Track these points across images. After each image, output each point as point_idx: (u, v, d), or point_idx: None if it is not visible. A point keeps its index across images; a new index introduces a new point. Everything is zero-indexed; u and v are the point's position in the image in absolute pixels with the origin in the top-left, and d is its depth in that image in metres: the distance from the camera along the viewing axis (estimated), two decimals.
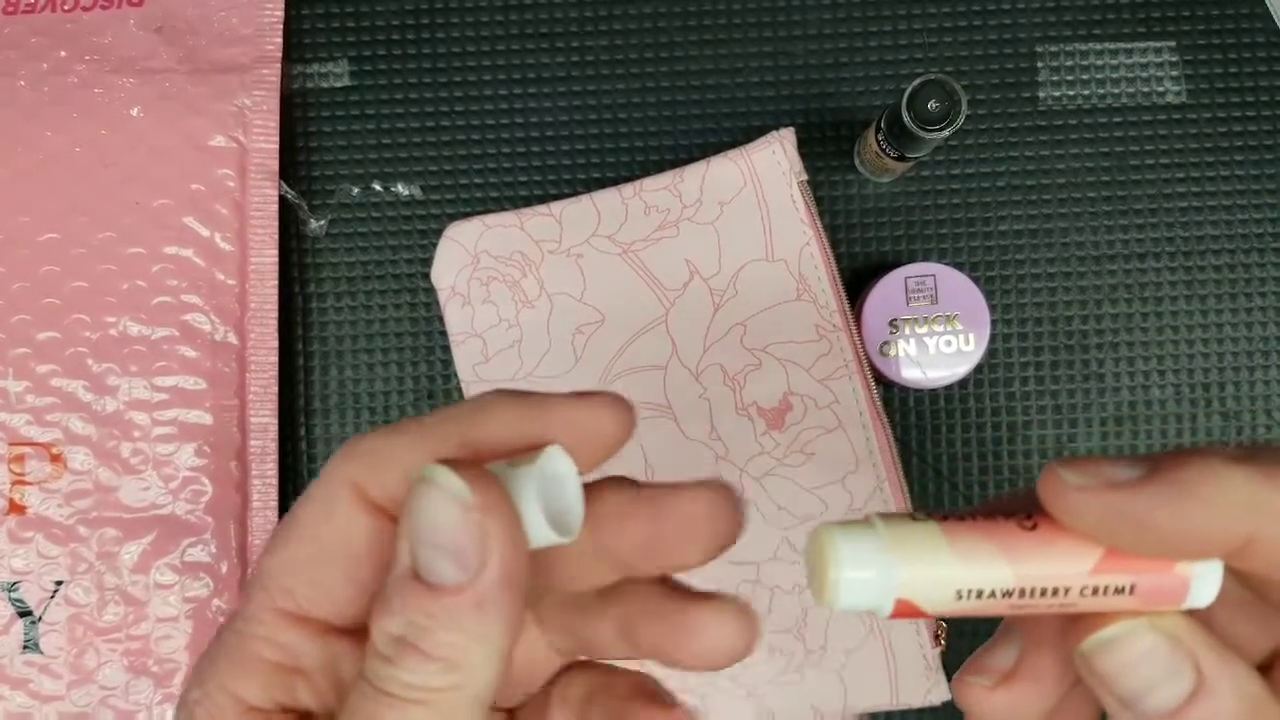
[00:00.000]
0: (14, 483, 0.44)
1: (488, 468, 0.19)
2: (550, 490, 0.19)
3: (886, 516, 0.19)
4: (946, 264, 0.44)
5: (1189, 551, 0.19)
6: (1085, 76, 0.47)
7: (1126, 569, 0.19)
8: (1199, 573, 0.19)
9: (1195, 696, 0.18)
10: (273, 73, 0.46)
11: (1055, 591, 0.19)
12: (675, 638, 0.20)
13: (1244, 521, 0.18)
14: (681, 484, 0.20)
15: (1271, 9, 0.47)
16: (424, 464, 0.19)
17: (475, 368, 0.45)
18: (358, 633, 0.21)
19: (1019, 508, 0.20)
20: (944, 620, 0.43)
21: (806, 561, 0.20)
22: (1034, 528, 0.19)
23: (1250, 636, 0.21)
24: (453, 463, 0.18)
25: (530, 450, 0.19)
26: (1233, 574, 0.21)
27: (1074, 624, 0.20)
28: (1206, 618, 0.20)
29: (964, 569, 0.19)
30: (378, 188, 0.48)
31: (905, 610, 0.19)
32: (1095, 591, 0.19)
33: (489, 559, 0.17)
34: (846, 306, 0.43)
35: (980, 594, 0.19)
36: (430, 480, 0.18)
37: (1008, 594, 0.19)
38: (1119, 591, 0.19)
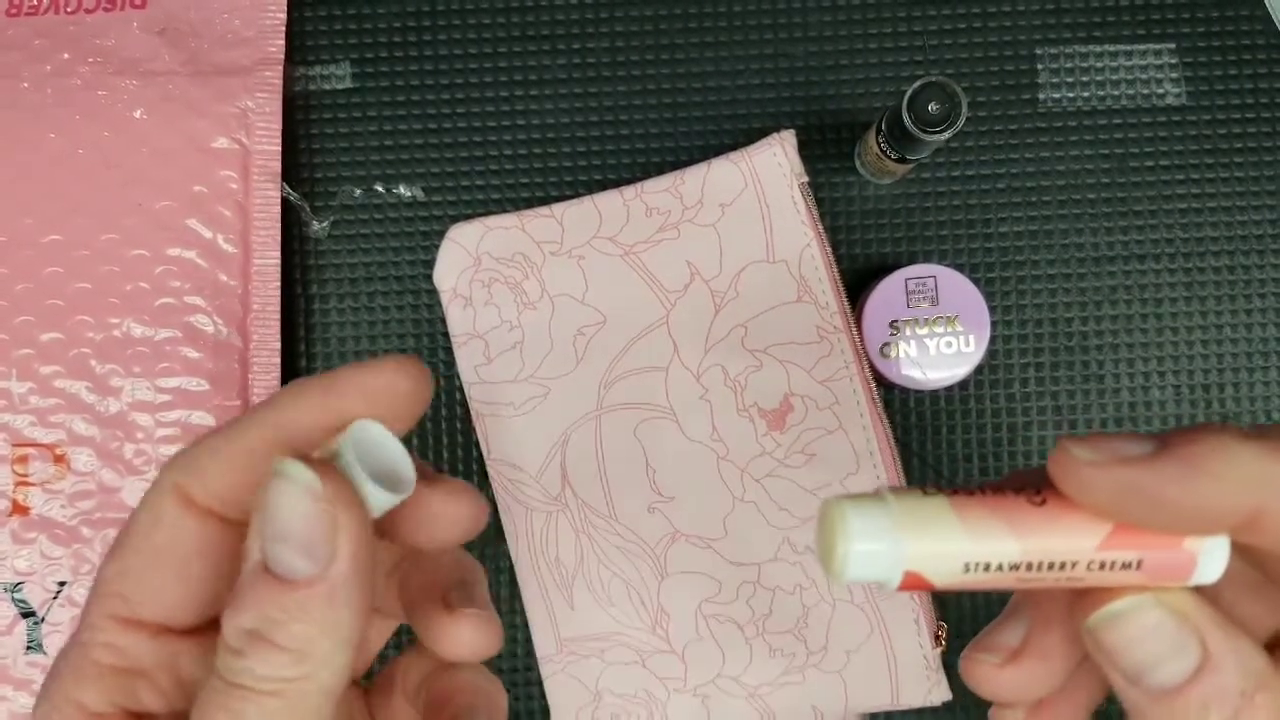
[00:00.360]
0: (17, 484, 0.44)
1: (275, 461, 0.19)
2: (370, 456, 0.20)
3: (896, 490, 0.20)
4: (947, 265, 0.44)
5: (1199, 526, 0.19)
6: (1085, 78, 0.47)
7: (1134, 544, 0.19)
8: (1206, 548, 0.19)
9: (1200, 672, 0.19)
10: (275, 75, 0.46)
11: (1062, 566, 0.19)
12: (436, 639, 0.22)
13: (1253, 496, 0.18)
14: (441, 477, 0.22)
15: (1271, 11, 0.47)
16: (241, 458, 0.20)
17: (477, 369, 0.45)
18: (195, 632, 0.21)
19: (1030, 484, 0.20)
20: (945, 622, 0.43)
21: (817, 534, 0.20)
22: (1043, 503, 0.19)
23: (1257, 615, 0.22)
24: (303, 458, 0.18)
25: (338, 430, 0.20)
26: (1239, 552, 0.21)
27: (1081, 598, 0.20)
28: (1214, 596, 0.21)
29: (972, 542, 0.19)
30: (380, 189, 0.48)
31: (913, 582, 0.19)
32: (1102, 566, 0.19)
33: (338, 550, 0.18)
34: (847, 308, 0.43)
35: (988, 567, 0.19)
36: (281, 473, 0.18)
37: (1014, 567, 0.19)
38: (1126, 567, 0.19)
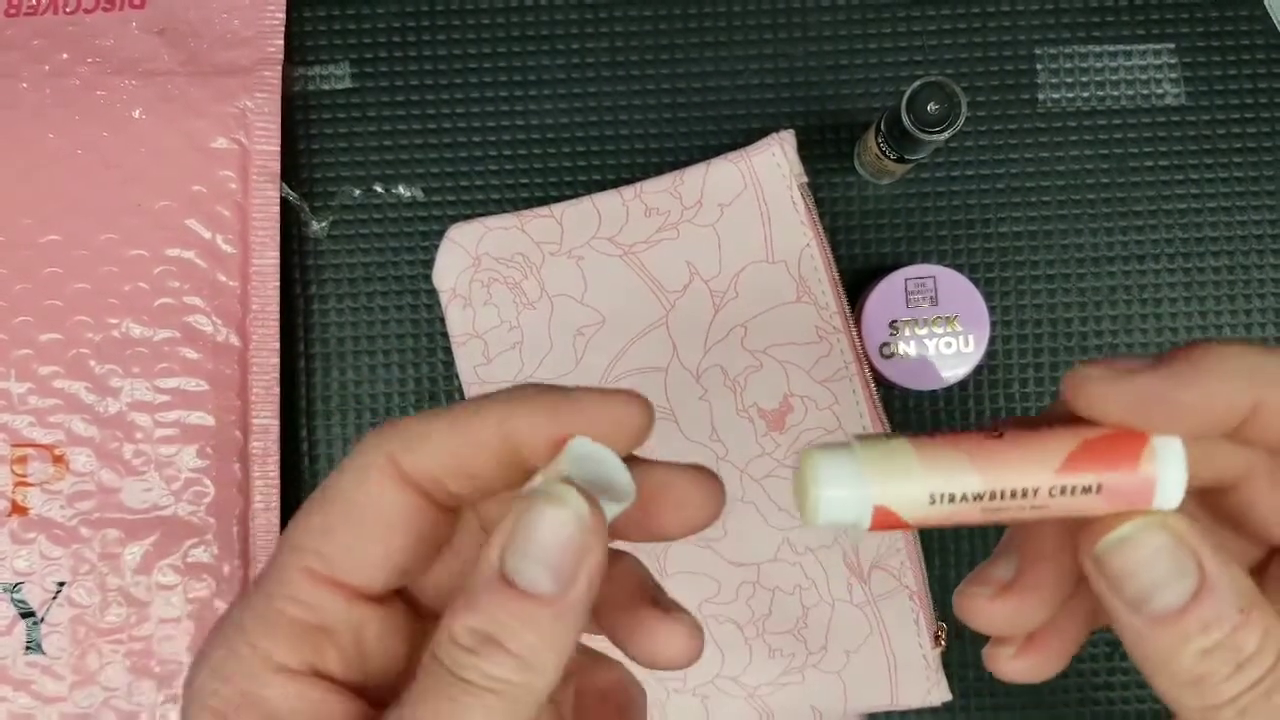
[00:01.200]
0: (16, 484, 0.44)
1: (545, 483, 0.20)
2: (589, 470, 0.21)
3: (862, 437, 0.21)
4: (946, 266, 0.44)
5: (1205, 423, 0.20)
6: (1084, 79, 0.47)
7: (1092, 469, 0.20)
8: (1163, 472, 0.20)
9: (1199, 594, 0.19)
10: (274, 75, 0.46)
11: (1024, 493, 0.20)
12: (638, 639, 0.22)
13: (1249, 390, 0.20)
14: (676, 464, 0.22)
15: (1270, 11, 0.47)
16: (461, 447, 0.20)
17: (476, 369, 0.45)
18: (381, 601, 0.22)
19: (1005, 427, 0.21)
20: (944, 623, 0.43)
21: (794, 486, 0.21)
22: (1000, 436, 0.20)
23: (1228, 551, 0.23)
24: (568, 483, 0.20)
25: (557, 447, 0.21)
26: (1210, 505, 0.22)
27: (1085, 529, 0.21)
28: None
29: (934, 476, 0.20)
30: (379, 190, 0.48)
31: (883, 520, 0.20)
32: (1063, 491, 0.20)
33: (580, 576, 0.19)
34: (847, 308, 0.43)
35: (952, 498, 0.20)
36: (554, 496, 0.19)
37: (978, 497, 0.20)
38: (1086, 491, 0.20)
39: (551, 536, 0.19)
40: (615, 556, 0.24)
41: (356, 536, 0.21)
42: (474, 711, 0.19)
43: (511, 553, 0.19)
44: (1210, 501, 0.23)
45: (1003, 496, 0.20)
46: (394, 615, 0.22)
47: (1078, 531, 0.21)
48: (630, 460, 0.22)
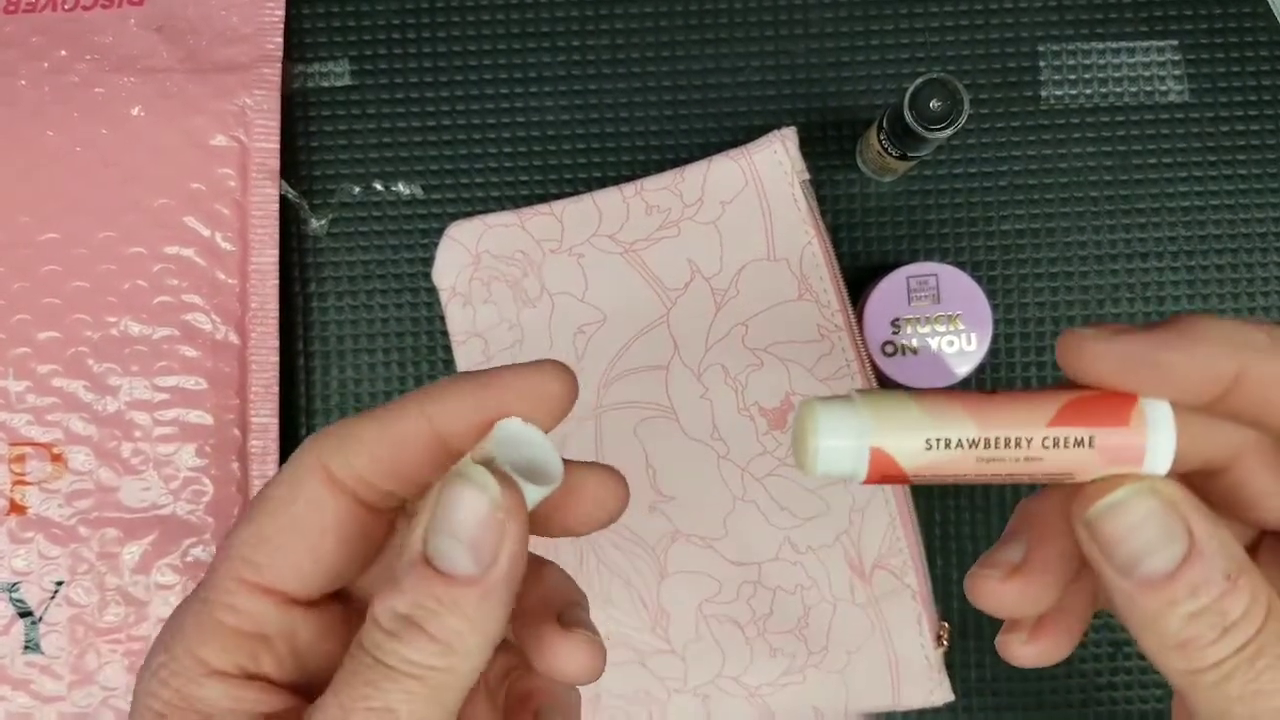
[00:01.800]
0: (14, 483, 0.44)
1: (462, 465, 0.20)
2: (514, 451, 0.21)
3: (862, 391, 0.21)
4: (949, 263, 0.44)
5: (1193, 385, 0.20)
6: (1087, 75, 0.47)
7: (1083, 423, 0.21)
8: (1152, 433, 0.20)
9: (1189, 559, 0.20)
10: (274, 72, 0.46)
11: (1018, 442, 0.21)
12: (539, 652, 0.23)
13: (1234, 357, 0.20)
14: (589, 463, 0.23)
15: (1273, 8, 0.47)
16: (390, 446, 0.21)
17: (477, 367, 0.45)
18: (315, 604, 0.22)
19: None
20: (947, 622, 0.43)
21: (793, 436, 0.22)
22: (993, 393, 0.21)
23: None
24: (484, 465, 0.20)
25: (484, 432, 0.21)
26: (1200, 488, 0.23)
27: (1078, 495, 0.21)
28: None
29: (931, 420, 0.21)
30: (379, 187, 0.48)
31: (880, 468, 0.21)
32: (1056, 444, 0.21)
33: (501, 556, 0.19)
34: (848, 306, 0.43)
35: (948, 443, 0.20)
36: (467, 477, 0.20)
37: (974, 444, 0.21)
38: (1079, 444, 0.21)
39: (469, 516, 0.19)
40: (536, 565, 0.24)
41: (288, 544, 0.21)
42: (394, 696, 0.19)
43: (432, 533, 0.19)
44: (1200, 484, 0.23)
45: (997, 445, 0.21)
46: (330, 616, 0.23)
47: (1071, 498, 0.21)
48: None
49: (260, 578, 0.21)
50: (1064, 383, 0.22)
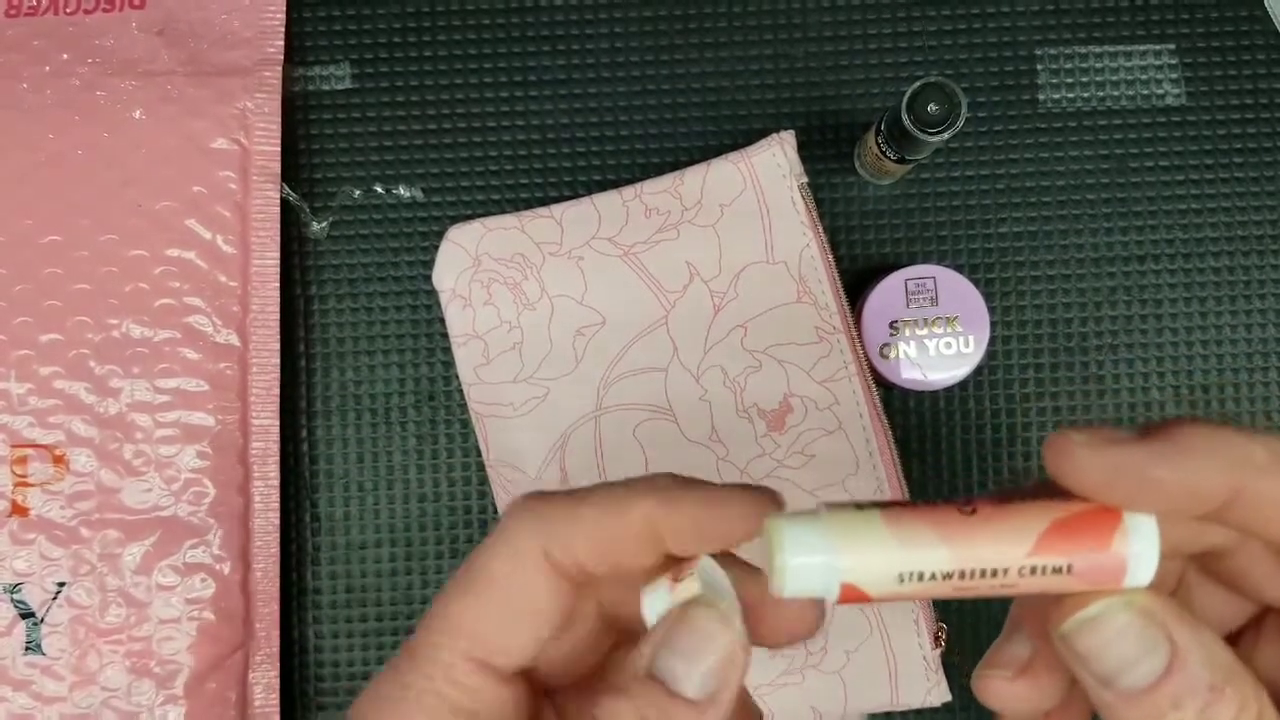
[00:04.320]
0: (16, 484, 0.44)
1: (655, 588, 0.22)
2: (711, 581, 0.22)
3: (831, 506, 0.20)
4: (946, 266, 0.44)
5: (1185, 503, 0.20)
6: (1085, 79, 0.47)
7: (1063, 550, 0.20)
8: (1134, 551, 0.19)
9: (1170, 669, 0.19)
10: (274, 75, 0.46)
11: (994, 573, 0.20)
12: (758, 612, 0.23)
13: (1233, 473, 0.19)
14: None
15: (1271, 12, 0.47)
16: (609, 541, 0.21)
17: (476, 369, 0.45)
18: (519, 680, 0.23)
19: (1019, 495, 0.20)
20: (945, 623, 0.43)
21: (764, 553, 0.21)
22: (973, 513, 0.20)
23: (1215, 608, 0.23)
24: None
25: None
26: (1203, 565, 0.22)
27: (1054, 606, 0.20)
28: (1183, 595, 0.22)
29: (903, 553, 0.20)
30: (379, 190, 0.48)
31: (852, 595, 0.20)
32: (1034, 571, 0.20)
33: (729, 687, 0.20)
34: (847, 308, 0.43)
35: (920, 576, 0.20)
36: (713, 608, 0.21)
37: (948, 576, 0.20)
38: (1057, 571, 0.20)
39: (708, 645, 0.20)
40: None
41: (511, 623, 0.22)
42: None
43: (665, 652, 0.20)
44: (1202, 561, 0.22)
45: (973, 575, 0.20)
46: (518, 689, 0.23)
47: (1050, 609, 0.21)
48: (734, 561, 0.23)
49: (485, 655, 0.22)
50: (1047, 481, 0.21)
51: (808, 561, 0.20)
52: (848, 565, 0.20)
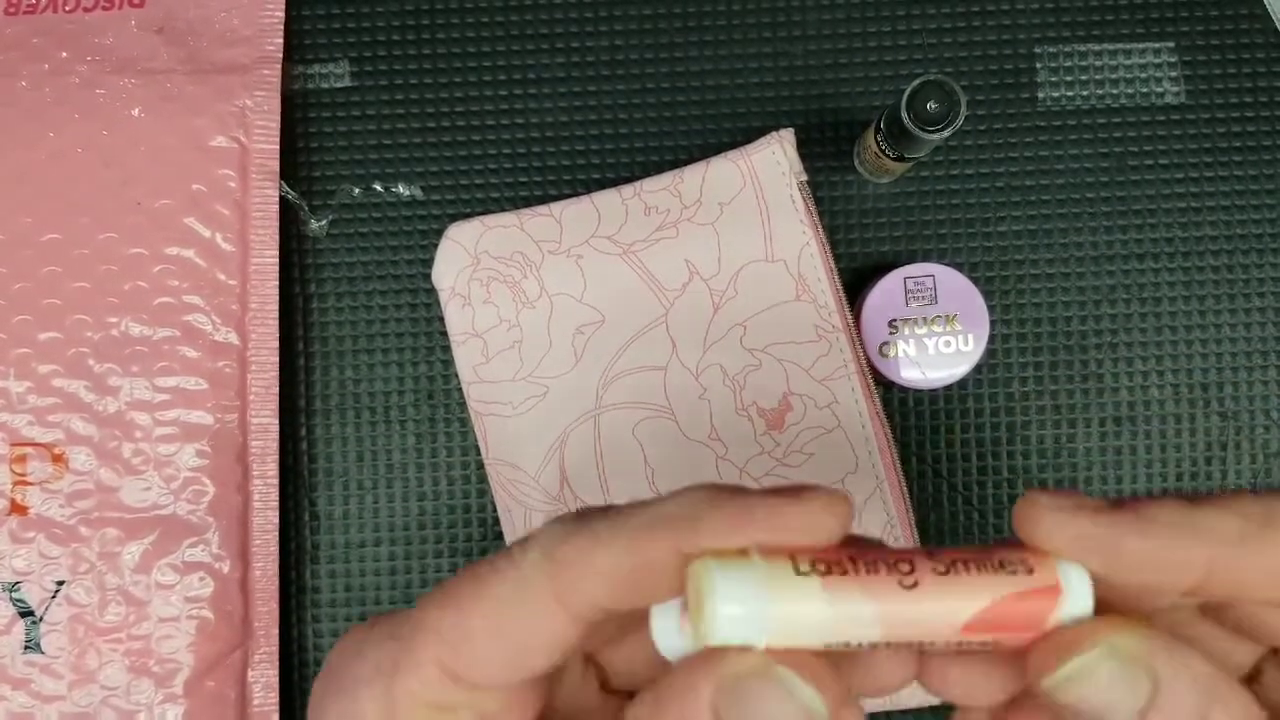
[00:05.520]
0: (15, 483, 0.44)
1: (664, 608, 0.20)
2: None
3: (768, 555, 0.19)
4: (946, 264, 0.44)
5: (1157, 576, 0.19)
6: (1084, 77, 0.47)
7: (994, 631, 0.19)
8: (1070, 576, 0.20)
9: (1155, 701, 0.19)
10: (274, 73, 0.46)
11: (921, 646, 0.20)
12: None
13: (1205, 546, 0.19)
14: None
15: (1270, 10, 0.47)
16: (631, 572, 0.19)
17: (476, 368, 0.45)
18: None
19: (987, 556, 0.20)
20: None
21: (688, 595, 0.20)
22: (914, 586, 0.19)
23: (1227, 652, 0.22)
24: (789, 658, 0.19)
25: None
26: (1204, 610, 0.22)
27: (1033, 656, 0.20)
28: (1185, 633, 0.22)
29: (834, 620, 0.19)
30: (378, 188, 0.48)
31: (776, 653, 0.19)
32: (960, 645, 0.20)
33: None
34: (846, 307, 0.43)
35: (847, 645, 0.19)
36: (778, 681, 0.19)
37: (874, 645, 0.19)
38: (984, 645, 0.20)
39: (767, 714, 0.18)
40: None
41: (495, 651, 0.21)
42: None
43: (728, 707, 0.18)
44: (1202, 608, 0.22)
45: (899, 645, 0.20)
46: (524, 687, 0.22)
47: (1024, 657, 0.21)
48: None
49: (456, 664, 0.21)
50: (1012, 539, 0.21)
51: (737, 610, 0.19)
52: (776, 619, 0.19)
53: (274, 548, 0.45)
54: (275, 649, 0.45)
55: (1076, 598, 0.20)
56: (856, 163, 0.47)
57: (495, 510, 0.47)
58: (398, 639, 0.21)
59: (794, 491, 0.20)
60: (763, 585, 0.19)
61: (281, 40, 0.47)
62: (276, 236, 0.46)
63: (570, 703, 0.24)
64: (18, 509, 0.44)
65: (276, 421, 0.46)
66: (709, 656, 0.19)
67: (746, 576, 0.19)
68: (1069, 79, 0.47)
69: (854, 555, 0.19)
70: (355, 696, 0.21)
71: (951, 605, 0.19)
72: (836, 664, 0.21)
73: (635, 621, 0.22)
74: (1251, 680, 0.23)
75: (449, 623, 0.21)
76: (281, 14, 0.47)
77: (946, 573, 0.20)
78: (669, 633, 0.20)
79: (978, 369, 0.47)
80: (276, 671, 0.45)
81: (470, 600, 0.21)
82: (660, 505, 0.20)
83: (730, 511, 0.19)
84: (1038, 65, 0.47)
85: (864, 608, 0.19)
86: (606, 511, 0.20)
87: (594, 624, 0.21)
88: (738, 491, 0.20)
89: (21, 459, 0.44)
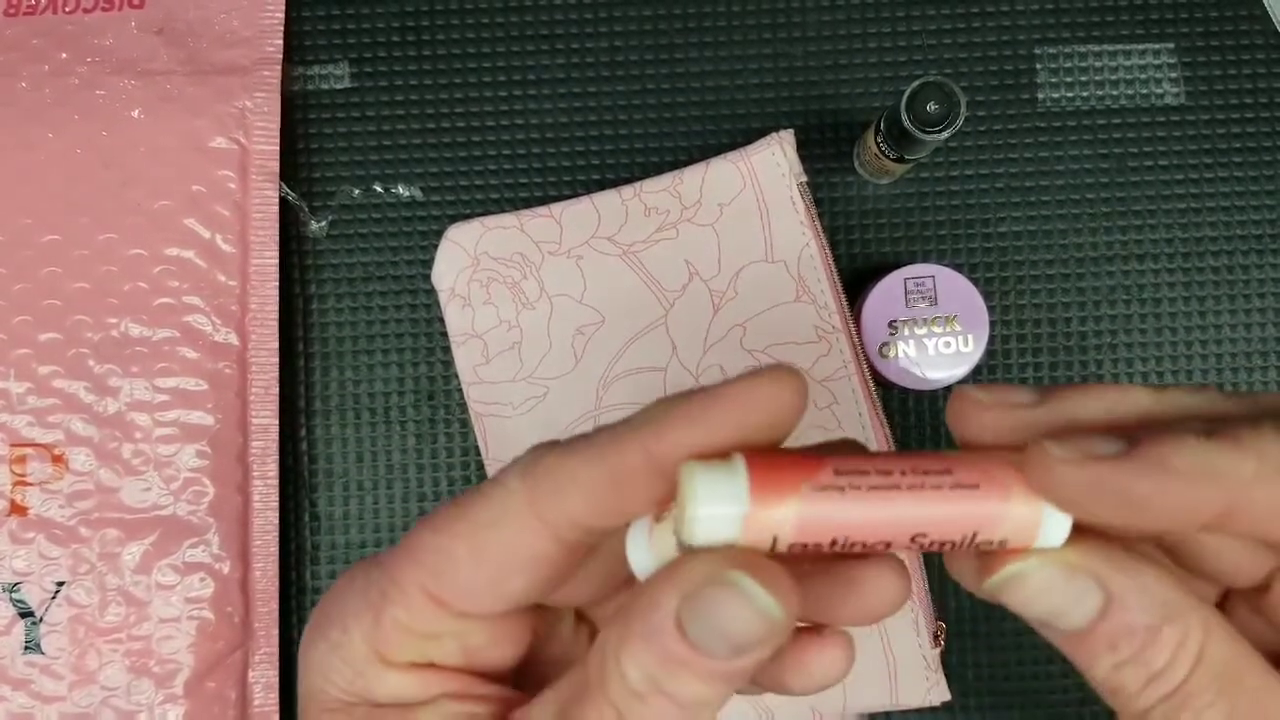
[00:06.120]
0: (15, 484, 0.44)
1: (635, 528, 0.20)
2: None
3: (755, 458, 0.19)
4: (945, 265, 0.44)
5: (1172, 522, 0.19)
6: (1084, 78, 0.47)
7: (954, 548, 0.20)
8: (1047, 514, 0.19)
9: (1104, 614, 0.19)
10: (273, 75, 0.46)
11: (886, 544, 0.20)
12: (841, 592, 0.22)
13: (1220, 491, 0.19)
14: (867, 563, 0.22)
15: (1270, 11, 0.47)
16: (604, 487, 0.20)
17: (476, 369, 0.45)
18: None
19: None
20: (944, 622, 0.43)
21: (676, 501, 0.20)
22: (891, 489, 0.19)
23: (1259, 631, 0.22)
24: (748, 560, 0.19)
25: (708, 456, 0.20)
26: (1160, 546, 0.22)
27: (983, 561, 0.20)
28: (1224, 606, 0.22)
29: (810, 518, 0.19)
30: (378, 189, 0.48)
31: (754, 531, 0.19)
32: (921, 548, 0.20)
33: (750, 654, 0.18)
34: (846, 308, 0.43)
35: (820, 545, 0.19)
36: (736, 587, 0.18)
37: (849, 545, 0.19)
38: (988, 544, 0.20)
39: (736, 620, 0.18)
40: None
41: (477, 573, 0.21)
42: None
43: (689, 617, 0.18)
44: (1159, 543, 0.22)
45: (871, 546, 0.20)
46: (507, 623, 0.22)
47: (978, 559, 0.21)
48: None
49: (438, 589, 0.21)
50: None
51: (716, 512, 0.18)
52: (753, 520, 0.19)
53: (274, 548, 0.45)
54: (275, 649, 0.45)
55: (1051, 541, 0.20)
56: (856, 164, 0.47)
57: None
58: (383, 565, 0.22)
59: (747, 374, 0.20)
60: (743, 485, 0.19)
61: (281, 41, 0.47)
62: (276, 237, 0.46)
63: (562, 656, 0.24)
64: (18, 510, 0.44)
65: (276, 422, 0.46)
66: (674, 568, 0.19)
67: (727, 477, 0.19)
68: (1069, 80, 0.47)
69: (839, 466, 0.19)
70: (345, 628, 0.22)
71: (921, 515, 0.19)
72: (827, 570, 0.21)
73: (624, 578, 0.22)
74: (1263, 591, 0.22)
75: (432, 546, 0.21)
76: (281, 15, 0.47)
77: (922, 487, 0.19)
78: (640, 549, 0.20)
79: (977, 370, 0.47)
80: (277, 672, 0.45)
81: (453, 522, 0.21)
82: (629, 417, 0.20)
83: (689, 406, 0.19)
84: (1038, 66, 0.47)
85: (842, 508, 0.19)
86: (572, 439, 0.21)
87: (574, 546, 0.21)
88: (697, 390, 0.20)
89: (21, 460, 0.44)
